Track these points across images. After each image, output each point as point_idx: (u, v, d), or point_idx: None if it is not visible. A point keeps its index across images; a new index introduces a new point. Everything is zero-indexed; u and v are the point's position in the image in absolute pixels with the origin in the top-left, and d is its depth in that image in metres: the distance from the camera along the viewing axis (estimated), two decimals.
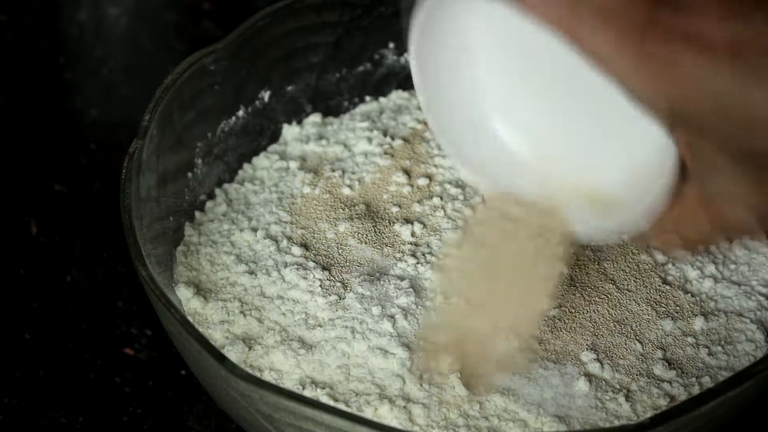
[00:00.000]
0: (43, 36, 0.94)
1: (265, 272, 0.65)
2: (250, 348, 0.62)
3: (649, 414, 0.59)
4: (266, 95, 0.74)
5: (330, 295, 0.64)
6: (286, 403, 0.53)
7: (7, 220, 0.80)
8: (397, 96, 0.78)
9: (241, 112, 0.73)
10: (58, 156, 0.84)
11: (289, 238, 0.67)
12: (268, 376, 0.61)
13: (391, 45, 0.78)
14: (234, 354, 0.61)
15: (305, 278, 0.64)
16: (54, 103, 0.89)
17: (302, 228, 0.68)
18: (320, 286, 0.64)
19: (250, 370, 0.60)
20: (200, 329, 0.62)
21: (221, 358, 0.54)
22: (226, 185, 0.72)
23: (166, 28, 0.96)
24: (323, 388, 0.60)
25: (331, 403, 0.59)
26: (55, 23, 0.96)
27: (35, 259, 0.77)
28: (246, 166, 0.74)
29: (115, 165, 0.65)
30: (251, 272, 0.66)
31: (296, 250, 0.66)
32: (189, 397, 0.70)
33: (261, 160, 0.74)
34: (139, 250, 0.59)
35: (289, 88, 0.76)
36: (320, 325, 0.62)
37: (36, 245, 0.78)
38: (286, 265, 0.65)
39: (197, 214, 0.70)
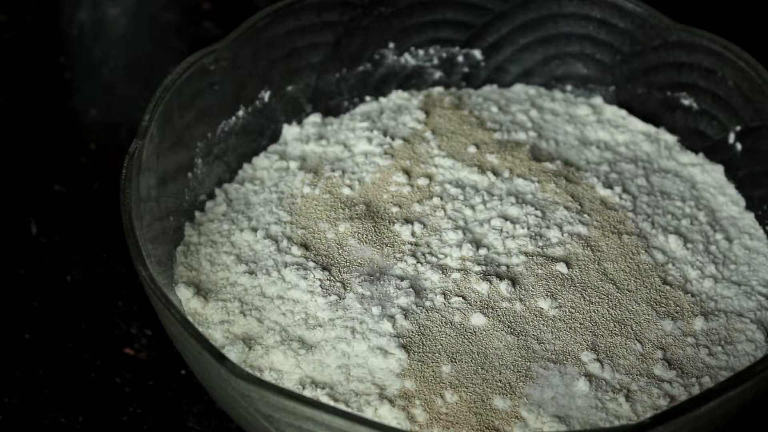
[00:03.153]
0: (43, 36, 0.94)
1: (265, 272, 0.65)
2: (250, 348, 0.62)
3: (649, 414, 0.59)
4: (266, 95, 0.74)
5: (330, 295, 0.64)
6: (286, 403, 0.53)
7: (7, 220, 0.80)
8: (397, 96, 0.78)
9: (241, 112, 0.73)
10: (58, 156, 0.84)
11: (289, 238, 0.67)
12: (268, 376, 0.61)
13: (391, 45, 0.78)
14: (234, 354, 0.61)
15: (305, 278, 0.64)
16: (54, 103, 0.89)
17: (302, 228, 0.68)
18: (320, 286, 0.64)
19: (250, 370, 0.60)
20: (200, 329, 0.62)
21: (221, 358, 0.54)
22: (226, 185, 0.72)
23: (166, 28, 0.96)
24: (323, 388, 0.60)
25: (331, 403, 0.59)
26: (55, 23, 0.96)
27: (35, 259, 0.77)
28: (246, 166, 0.74)
29: (115, 165, 0.65)
30: (251, 272, 0.66)
31: (296, 250, 0.66)
32: (189, 397, 0.70)
33: (261, 160, 0.74)
34: (139, 250, 0.59)
35: (289, 88, 0.76)
36: (320, 325, 0.62)
37: (36, 245, 0.78)
38: (286, 265, 0.65)
39: (197, 214, 0.70)
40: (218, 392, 0.59)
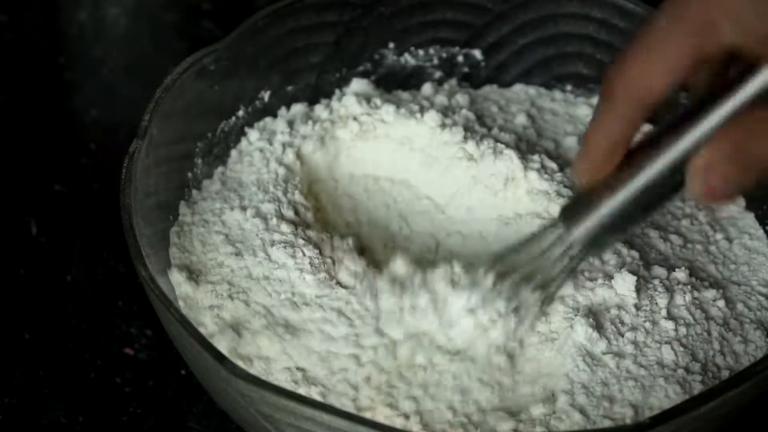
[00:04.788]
0: (43, 36, 0.94)
1: (251, 253, 0.65)
2: (239, 335, 0.61)
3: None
4: (266, 95, 0.74)
5: (319, 273, 0.63)
6: (286, 403, 0.53)
7: (7, 220, 0.80)
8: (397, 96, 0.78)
9: (241, 112, 0.73)
10: (58, 156, 0.84)
11: (281, 217, 0.67)
12: (257, 366, 0.60)
13: (391, 45, 0.78)
14: (224, 343, 0.60)
15: (293, 257, 0.64)
16: (54, 103, 0.89)
17: (293, 206, 0.68)
18: (309, 263, 0.64)
19: (240, 361, 0.59)
20: (191, 313, 0.62)
21: (221, 358, 0.54)
22: (221, 168, 0.72)
23: (166, 28, 0.96)
24: (303, 370, 0.59)
25: (314, 390, 0.59)
26: (55, 23, 0.96)
27: (35, 259, 0.77)
28: (243, 140, 0.73)
29: (115, 165, 0.65)
30: (238, 253, 0.65)
31: (285, 228, 0.66)
32: (189, 397, 0.70)
33: (253, 133, 0.73)
34: (139, 250, 0.59)
35: (289, 88, 0.76)
36: (306, 304, 0.62)
37: (36, 245, 0.78)
38: (273, 243, 0.65)
39: (194, 192, 0.70)
40: (218, 392, 0.59)
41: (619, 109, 0.51)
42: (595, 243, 0.54)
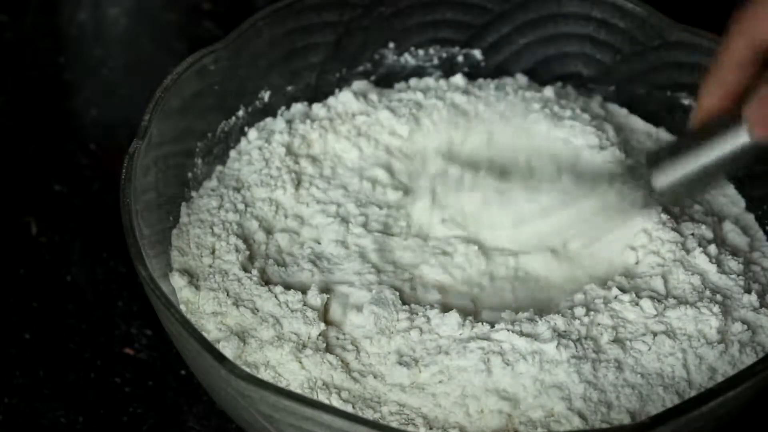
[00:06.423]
0: (43, 36, 0.94)
1: (250, 261, 0.65)
2: (245, 342, 0.61)
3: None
4: (266, 95, 0.74)
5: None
6: (286, 403, 0.53)
7: (7, 220, 0.80)
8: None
9: (241, 112, 0.73)
10: (58, 156, 0.84)
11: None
12: (264, 374, 0.60)
13: (391, 45, 0.78)
14: (229, 350, 0.60)
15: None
16: (54, 103, 0.89)
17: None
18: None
19: (245, 367, 0.59)
20: (193, 319, 0.61)
21: (221, 358, 0.54)
22: (220, 167, 0.72)
23: (166, 28, 0.96)
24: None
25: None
26: (55, 23, 0.96)
27: (35, 259, 0.77)
28: (242, 140, 0.73)
29: (115, 165, 0.65)
30: (237, 259, 0.65)
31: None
32: (189, 397, 0.70)
33: (252, 133, 0.73)
34: (139, 250, 0.59)
35: (289, 88, 0.76)
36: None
37: (36, 245, 0.78)
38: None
39: (193, 193, 0.70)
40: (218, 392, 0.59)
41: (734, 54, 0.56)
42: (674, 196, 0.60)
